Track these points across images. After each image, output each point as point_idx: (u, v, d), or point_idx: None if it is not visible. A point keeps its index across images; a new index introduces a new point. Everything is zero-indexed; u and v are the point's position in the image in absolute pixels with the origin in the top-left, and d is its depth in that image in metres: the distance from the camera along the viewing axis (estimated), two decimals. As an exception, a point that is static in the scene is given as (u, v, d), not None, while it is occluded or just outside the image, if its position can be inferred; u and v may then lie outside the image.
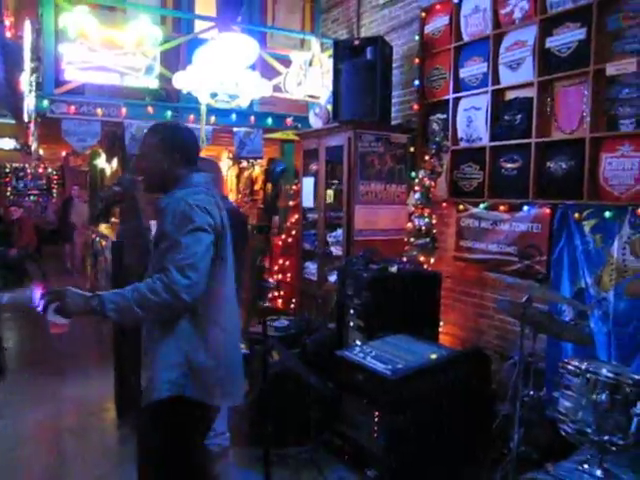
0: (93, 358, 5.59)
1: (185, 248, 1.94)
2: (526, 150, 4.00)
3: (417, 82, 5.05)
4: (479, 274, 4.47)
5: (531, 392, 3.10)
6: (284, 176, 1.92)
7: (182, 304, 1.92)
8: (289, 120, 6.03)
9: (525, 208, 4.01)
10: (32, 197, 15.90)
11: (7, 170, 16.01)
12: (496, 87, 4.27)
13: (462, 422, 3.19)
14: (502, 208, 4.22)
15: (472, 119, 4.51)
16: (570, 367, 2.51)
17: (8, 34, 9.16)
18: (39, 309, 1.88)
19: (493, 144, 4.29)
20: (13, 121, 15.71)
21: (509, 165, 4.19)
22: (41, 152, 8.40)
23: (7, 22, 9.17)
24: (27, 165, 16.01)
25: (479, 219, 4.41)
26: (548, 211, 3.82)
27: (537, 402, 3.10)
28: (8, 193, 15.43)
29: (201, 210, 2.02)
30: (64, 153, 10.23)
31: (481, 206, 4.38)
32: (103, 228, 8.83)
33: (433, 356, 3.27)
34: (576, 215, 3.59)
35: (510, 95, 4.22)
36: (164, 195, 2.13)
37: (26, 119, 6.88)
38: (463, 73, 4.59)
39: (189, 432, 2.13)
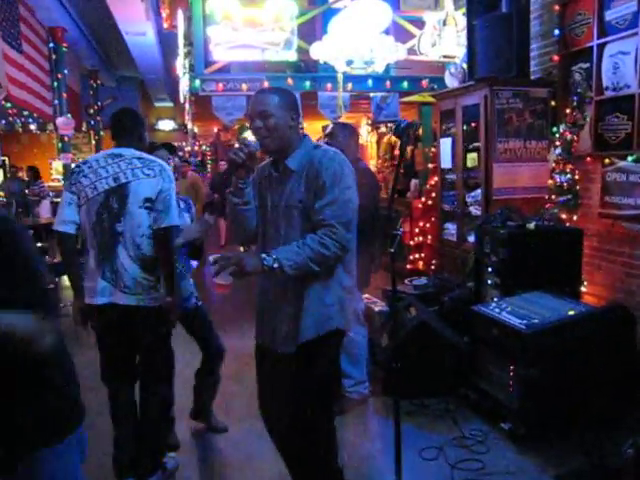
0: (246, 317, 6.05)
1: (344, 205, 2.10)
2: (681, 94, 3.69)
3: (557, 31, 4.78)
4: (628, 231, 4.22)
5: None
6: (410, 132, 1.98)
7: (345, 255, 2.14)
8: (425, 82, 6.03)
9: (680, 157, 3.71)
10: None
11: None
12: (647, 27, 3.95)
13: (602, 381, 3.11)
14: (654, 159, 3.94)
15: (619, 65, 4.22)
16: None
17: (165, 25, 9.98)
18: (213, 273, 2.07)
19: (644, 90, 4.00)
20: (171, 104, 17.16)
21: (662, 112, 3.89)
22: (195, 130, 9.12)
23: (164, 14, 9.96)
24: (184, 143, 17.37)
25: (627, 173, 4.14)
26: None
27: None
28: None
29: (347, 169, 2.17)
30: (215, 129, 11.01)
31: (629, 159, 4.10)
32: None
33: (571, 312, 3.20)
34: None
35: (663, 35, 3.89)
36: (288, 155, 2.22)
37: (182, 100, 7.53)
38: (609, 15, 4.28)
39: (337, 360, 2.45)
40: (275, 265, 2.00)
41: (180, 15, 6.33)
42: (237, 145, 2.28)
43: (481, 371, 3.46)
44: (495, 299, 3.83)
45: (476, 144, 5.00)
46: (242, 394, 3.95)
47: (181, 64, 6.67)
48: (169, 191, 2.68)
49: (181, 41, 6.38)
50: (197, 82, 5.32)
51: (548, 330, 3.04)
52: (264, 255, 2.01)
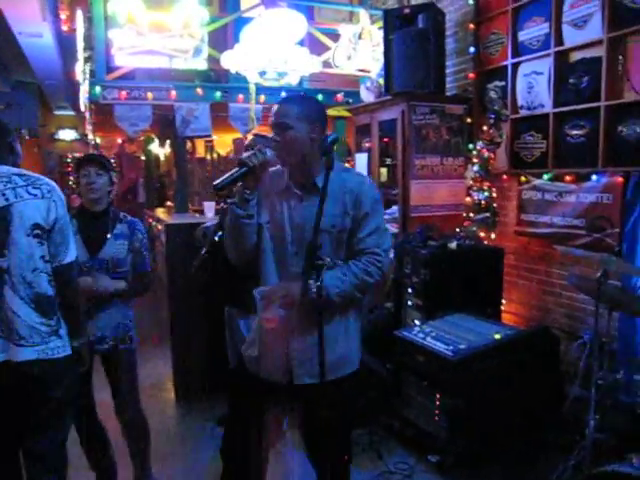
0: (151, 340, 5.66)
1: (384, 232, 2.11)
2: (594, 115, 3.72)
3: (472, 49, 4.80)
4: (543, 249, 4.24)
5: (605, 374, 2.89)
6: (335, 148, 1.82)
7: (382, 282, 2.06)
8: (340, 96, 5.88)
9: (594, 177, 3.74)
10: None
11: (68, 160, 16.51)
12: (559, 48, 3.98)
13: (529, 405, 3.03)
14: (568, 178, 3.96)
15: (533, 85, 4.25)
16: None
17: (64, 28, 9.32)
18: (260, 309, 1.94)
19: (557, 110, 4.02)
20: (73, 112, 16.21)
21: (575, 132, 3.92)
22: (98, 140, 8.54)
23: (63, 16, 9.30)
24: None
25: (542, 191, 4.16)
26: (620, 180, 3.54)
27: (613, 385, 2.89)
28: (70, 182, 15.90)
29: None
30: (120, 140, 10.40)
31: (545, 177, 4.13)
32: (160, 212, 8.95)
33: (497, 336, 3.11)
34: (652, 182, 3.32)
35: (575, 56, 3.93)
36: (314, 172, 2.07)
37: (82, 108, 7.00)
38: (522, 36, 4.31)
39: None
40: (322, 292, 1.88)
41: (79, 16, 5.86)
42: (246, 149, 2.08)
43: (405, 399, 3.30)
44: (417, 322, 3.69)
45: (392, 160, 4.89)
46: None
47: (81, 70, 6.18)
48: (65, 217, 2.18)
49: (80, 44, 5.90)
50: (97, 89, 4.89)
51: (475, 356, 2.92)
52: (310, 282, 1.87)
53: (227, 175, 1.94)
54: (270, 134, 2.17)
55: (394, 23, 4.78)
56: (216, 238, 3.12)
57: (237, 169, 1.94)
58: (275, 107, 2.07)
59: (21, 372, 2.07)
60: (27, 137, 16.07)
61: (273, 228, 2.09)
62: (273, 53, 5.08)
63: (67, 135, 17.46)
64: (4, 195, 2.06)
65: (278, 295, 1.89)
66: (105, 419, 2.96)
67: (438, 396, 3.01)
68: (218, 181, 1.95)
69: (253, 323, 2.34)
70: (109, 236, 2.76)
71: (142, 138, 10.24)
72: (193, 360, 4.20)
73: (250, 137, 3.48)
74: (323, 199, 1.86)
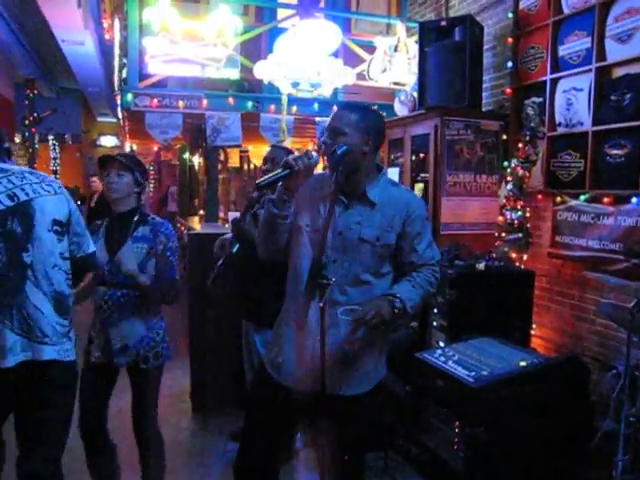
0: (173, 350, 5.62)
1: (435, 246, 2.15)
2: (637, 134, 3.54)
3: (510, 63, 4.65)
4: (578, 273, 4.04)
5: (638, 410, 2.70)
6: (347, 160, 1.76)
7: None
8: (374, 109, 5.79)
9: (634, 200, 3.54)
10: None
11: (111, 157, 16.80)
12: (601, 64, 3.81)
13: (554, 438, 2.85)
14: (606, 200, 3.77)
15: (572, 101, 4.08)
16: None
17: (107, 36, 9.51)
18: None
19: (597, 128, 3.85)
20: (114, 119, 16.54)
21: (615, 152, 3.74)
22: (134, 147, 8.65)
23: (105, 24, 9.50)
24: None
25: (579, 212, 3.98)
26: (661, 203, 3.36)
27: (646, 421, 2.70)
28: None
29: None
30: (155, 148, 10.52)
31: (581, 198, 3.95)
32: (192, 221, 9.00)
33: (522, 363, 2.93)
34: (696, 207, 3.12)
35: (618, 72, 3.75)
36: (363, 183, 2.03)
37: (119, 115, 7.09)
38: (563, 50, 4.16)
39: None
40: (402, 307, 1.93)
41: (117, 24, 5.94)
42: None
43: (424, 425, 3.16)
44: (441, 343, 3.55)
45: (424, 175, 4.77)
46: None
47: (117, 77, 6.27)
48: (77, 211, 2.22)
49: (117, 52, 5.98)
50: (129, 96, 4.92)
51: (498, 384, 2.75)
52: (392, 298, 1.93)
53: (271, 174, 1.93)
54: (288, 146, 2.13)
55: (430, 36, 4.69)
56: (233, 250, 3.04)
57: (281, 169, 1.91)
58: (335, 111, 2.07)
59: (39, 373, 2.02)
60: (70, 142, 16.48)
61: (313, 232, 2.02)
62: (307, 64, 5.04)
63: (108, 141, 17.84)
64: (24, 190, 2.06)
65: (370, 316, 1.83)
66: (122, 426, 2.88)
67: (458, 424, 2.87)
68: (261, 179, 1.96)
69: (270, 335, 2.25)
70: (128, 238, 2.62)
71: (178, 146, 10.36)
72: (211, 373, 4.14)
73: (268, 149, 3.40)
74: (364, 208, 1.96)
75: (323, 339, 1.72)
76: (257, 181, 1.97)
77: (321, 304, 1.66)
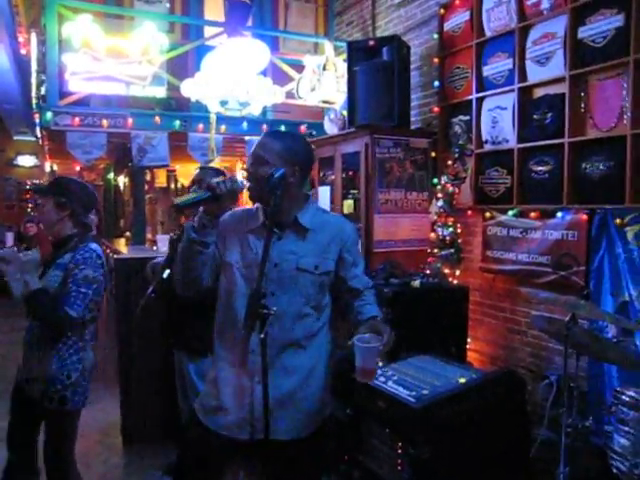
0: (103, 380, 5.35)
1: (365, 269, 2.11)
2: (558, 151, 3.68)
3: (437, 83, 4.76)
4: (509, 286, 4.15)
5: (575, 420, 2.76)
6: (283, 184, 1.69)
7: None
8: (303, 127, 5.78)
9: (559, 214, 3.67)
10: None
11: (27, 187, 16.04)
12: (523, 84, 3.96)
13: (496, 453, 2.87)
14: (533, 215, 3.89)
15: (497, 120, 4.20)
16: (625, 397, 2.19)
17: (23, 51, 9.08)
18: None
19: (521, 146, 3.98)
20: (33, 138, 15.82)
21: (540, 168, 3.87)
22: (55, 167, 8.26)
23: (21, 39, 9.07)
24: (45, 181, 16.02)
25: (507, 227, 4.08)
26: (585, 217, 3.48)
27: (582, 430, 2.76)
28: (29, 209, 15.43)
29: None
30: (77, 168, 10.12)
31: (510, 213, 4.06)
32: (118, 243, 8.66)
33: (461, 380, 2.94)
34: (617, 221, 3.25)
35: (539, 92, 3.90)
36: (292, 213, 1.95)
37: (38, 134, 6.75)
38: (487, 71, 4.29)
39: None
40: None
41: (34, 38, 5.66)
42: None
43: (366, 447, 3.10)
44: (380, 363, 3.52)
45: (354, 192, 4.78)
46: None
47: (34, 94, 5.97)
48: None
49: (34, 68, 5.70)
50: (49, 114, 4.67)
51: (439, 403, 2.74)
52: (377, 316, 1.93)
53: (190, 196, 1.81)
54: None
55: (359, 55, 4.73)
56: (164, 276, 2.90)
57: (203, 192, 1.80)
58: (261, 138, 1.95)
59: None
60: (-17, 162, 15.61)
61: (245, 268, 1.91)
62: (235, 82, 4.97)
63: (26, 161, 16.97)
64: None
65: (387, 344, 1.74)
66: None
67: (400, 444, 2.83)
68: (180, 200, 1.83)
69: (204, 368, 2.13)
70: (51, 266, 2.47)
71: (102, 166, 10.01)
72: (142, 404, 3.94)
73: (197, 170, 3.29)
74: (297, 237, 1.89)
75: (265, 378, 1.62)
76: (175, 200, 1.85)
77: (262, 335, 1.56)
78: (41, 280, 2.40)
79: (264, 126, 5.58)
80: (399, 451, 2.85)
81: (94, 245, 2.54)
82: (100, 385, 5.11)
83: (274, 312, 1.57)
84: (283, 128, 5.70)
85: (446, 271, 4.11)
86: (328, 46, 5.71)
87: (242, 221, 1.97)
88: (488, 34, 4.27)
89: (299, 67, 5.68)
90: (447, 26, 4.66)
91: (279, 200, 1.74)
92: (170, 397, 3.43)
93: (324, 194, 5.09)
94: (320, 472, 2.11)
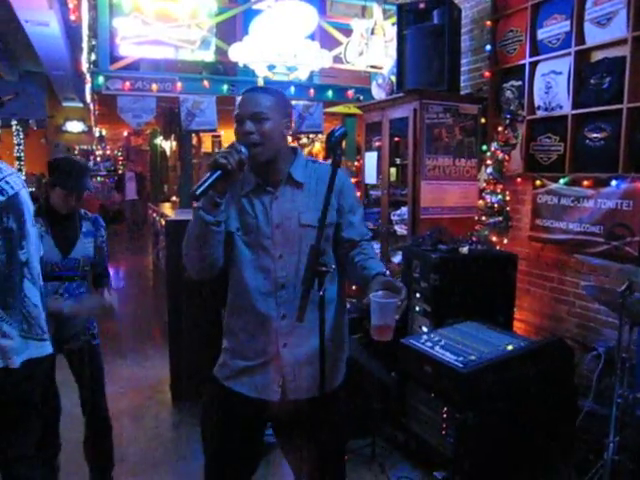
0: (152, 339, 5.54)
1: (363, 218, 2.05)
2: (616, 117, 3.55)
3: (489, 47, 4.63)
4: (558, 256, 4.07)
5: (624, 391, 2.73)
6: (342, 142, 1.68)
7: None
8: (350, 92, 5.74)
9: (613, 183, 3.57)
10: (99, 178, 16.26)
11: (75, 152, 16.42)
12: (580, 47, 3.81)
13: (541, 421, 2.87)
14: (586, 183, 3.79)
15: (551, 85, 4.08)
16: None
17: (72, 17, 9.20)
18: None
19: (576, 112, 3.85)
20: (81, 104, 16.13)
21: (595, 135, 3.75)
22: (104, 133, 8.42)
23: (71, 5, 9.17)
24: (95, 147, 16.35)
25: (559, 195, 3.99)
26: (641, 185, 3.38)
27: (632, 402, 2.73)
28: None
29: None
30: (125, 133, 10.29)
31: (561, 181, 3.96)
32: (164, 207, 8.84)
33: (509, 347, 2.94)
34: (676, 189, 3.15)
35: (597, 56, 3.76)
36: (285, 167, 1.88)
37: (88, 100, 6.87)
38: (542, 34, 4.14)
39: None
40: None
41: (85, 4, 5.73)
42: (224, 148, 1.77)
43: (411, 411, 3.14)
44: (425, 329, 3.54)
45: (402, 159, 4.74)
46: (140, 439, 3.46)
47: (86, 60, 6.06)
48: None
49: (85, 33, 5.78)
50: (100, 79, 4.75)
51: (486, 369, 2.75)
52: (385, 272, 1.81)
53: (203, 180, 1.67)
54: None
55: (408, 18, 4.63)
56: None
57: (210, 172, 1.67)
58: (245, 96, 1.84)
59: (36, 369, 1.99)
60: (34, 128, 16.03)
61: (246, 234, 1.85)
62: (283, 46, 4.96)
63: (75, 127, 17.39)
64: (8, 183, 1.94)
65: (403, 299, 1.66)
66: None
67: (446, 409, 2.86)
68: (196, 189, 1.67)
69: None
70: (80, 235, 2.74)
71: (148, 131, 10.14)
72: (191, 361, 4.05)
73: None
74: (294, 193, 1.82)
75: (322, 331, 1.63)
76: (192, 190, 1.70)
77: (321, 292, 1.58)
78: (75, 249, 2.71)
79: (311, 90, 5.56)
80: (444, 416, 2.88)
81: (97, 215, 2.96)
82: (150, 344, 5.32)
83: (333, 269, 1.59)
84: (330, 93, 5.68)
85: (493, 239, 4.06)
86: (377, 9, 5.60)
87: (235, 186, 1.85)
88: (545, -5, 4.11)
89: (347, 31, 5.61)
90: (501, -13, 4.51)
91: (339, 159, 1.70)
92: (217, 355, 3.52)
93: (371, 160, 5.06)
94: (345, 427, 2.08)
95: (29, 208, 2.00)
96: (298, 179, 1.88)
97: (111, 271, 2.95)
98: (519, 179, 4.34)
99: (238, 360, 1.91)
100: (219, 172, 1.66)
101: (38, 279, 2.01)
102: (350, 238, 1.92)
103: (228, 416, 1.92)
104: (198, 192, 1.65)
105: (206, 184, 1.65)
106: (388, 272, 1.92)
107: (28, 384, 1.98)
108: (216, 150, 10.25)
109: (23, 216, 1.95)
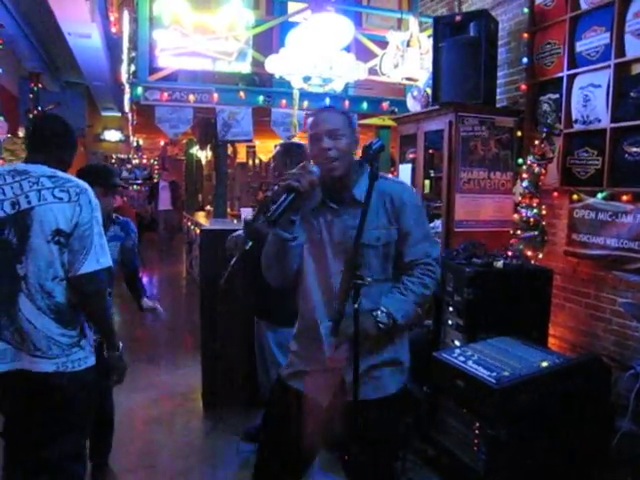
0: (184, 346, 5.60)
1: (433, 240, 2.03)
2: (657, 131, 3.50)
3: (525, 59, 4.59)
4: (594, 272, 3.99)
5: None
6: (380, 156, 1.70)
7: None
8: (385, 104, 5.74)
9: (654, 198, 3.50)
10: (135, 187, 16.56)
11: (113, 161, 16.78)
12: (620, 60, 3.76)
13: (576, 440, 2.81)
14: (624, 198, 3.71)
15: (590, 98, 4.02)
16: None
17: (113, 29, 9.44)
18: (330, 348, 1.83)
19: (615, 125, 3.79)
20: (119, 114, 16.49)
21: (634, 149, 3.68)
22: (141, 142, 8.60)
23: (112, 18, 9.42)
24: (131, 155, 16.69)
25: (596, 210, 3.92)
26: (683, 201, 3.30)
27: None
28: (114, 182, 16.13)
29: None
30: (162, 143, 10.48)
31: (599, 196, 3.89)
32: (200, 216, 8.97)
33: (544, 364, 2.89)
34: None
35: (638, 68, 3.70)
36: (351, 184, 1.94)
37: (126, 109, 7.03)
38: (580, 46, 4.09)
39: None
40: (390, 321, 1.85)
41: (126, 17, 5.88)
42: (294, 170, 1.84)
43: (442, 426, 3.11)
44: (458, 343, 3.51)
45: (437, 172, 4.72)
46: (170, 446, 3.49)
47: (125, 71, 6.20)
48: (90, 223, 2.06)
49: (126, 45, 5.92)
50: (139, 89, 4.86)
51: (520, 385, 2.71)
52: (377, 313, 1.84)
53: (277, 205, 1.73)
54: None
55: (444, 31, 4.63)
56: (246, 247, 3.00)
57: (285, 195, 1.74)
58: (319, 116, 1.93)
59: (38, 382, 2.01)
60: (74, 137, 16.41)
61: (312, 247, 1.94)
62: (318, 58, 4.99)
63: (112, 136, 17.77)
64: (27, 197, 2.00)
65: (349, 333, 1.72)
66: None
67: (478, 425, 2.82)
68: (271, 214, 1.74)
69: (283, 338, 2.19)
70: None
71: (185, 141, 10.31)
72: (223, 370, 4.09)
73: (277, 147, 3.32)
74: (365, 211, 1.72)
75: (357, 341, 1.66)
76: (267, 216, 1.77)
77: (356, 305, 1.60)
78: None
79: (346, 102, 5.59)
80: (476, 431, 2.84)
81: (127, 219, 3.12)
82: (182, 351, 5.39)
83: (369, 282, 1.60)
84: (365, 105, 5.70)
85: (529, 253, 4.01)
86: (412, 22, 5.60)
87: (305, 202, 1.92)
88: (584, 7, 4.06)
89: (382, 43, 5.62)
90: (538, 0, 4.48)
91: (376, 172, 1.73)
92: (250, 365, 3.54)
93: (405, 172, 5.05)
94: (400, 431, 2.15)
95: (47, 225, 2.00)
96: (359, 198, 1.89)
97: (144, 279, 3.00)
98: (555, 193, 4.28)
99: (298, 361, 2.02)
100: (292, 195, 1.73)
101: (43, 297, 2.01)
102: (407, 259, 1.96)
103: (285, 411, 2.01)
104: (274, 218, 1.74)
105: (281, 208, 1.73)
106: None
107: (28, 393, 2.04)
108: (250, 161, 10.35)
109: (28, 232, 1.98)
